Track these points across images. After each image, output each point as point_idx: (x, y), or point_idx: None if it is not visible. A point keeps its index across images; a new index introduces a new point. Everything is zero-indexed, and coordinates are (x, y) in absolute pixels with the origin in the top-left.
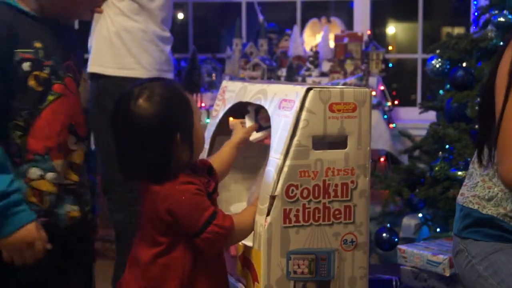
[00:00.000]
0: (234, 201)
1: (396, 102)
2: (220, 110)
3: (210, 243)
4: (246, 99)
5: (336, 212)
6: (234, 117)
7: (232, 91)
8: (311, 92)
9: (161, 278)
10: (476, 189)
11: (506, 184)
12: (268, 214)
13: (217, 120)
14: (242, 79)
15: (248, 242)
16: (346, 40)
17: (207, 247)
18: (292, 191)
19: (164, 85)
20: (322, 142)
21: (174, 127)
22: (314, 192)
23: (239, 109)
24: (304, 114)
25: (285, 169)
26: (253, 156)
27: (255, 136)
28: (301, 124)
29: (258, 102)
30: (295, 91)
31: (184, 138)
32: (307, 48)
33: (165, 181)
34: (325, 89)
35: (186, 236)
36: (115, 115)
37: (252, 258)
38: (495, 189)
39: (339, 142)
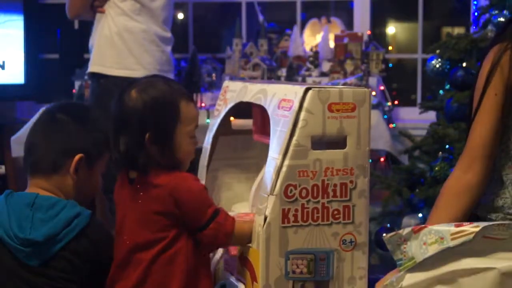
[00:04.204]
0: (237, 200)
1: (396, 102)
2: (222, 110)
3: (212, 240)
4: (246, 99)
5: (335, 212)
6: (235, 117)
7: (233, 91)
8: (310, 92)
9: (165, 275)
10: None
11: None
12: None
13: (219, 120)
14: (242, 79)
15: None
16: (346, 40)
17: (208, 243)
18: (291, 191)
19: (160, 87)
20: (321, 142)
21: (145, 127)
22: (313, 192)
23: (240, 109)
24: (303, 114)
25: (284, 169)
26: (255, 156)
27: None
28: (300, 124)
29: (258, 102)
30: (294, 91)
31: (155, 140)
32: (307, 48)
33: (140, 172)
34: (324, 89)
35: (187, 230)
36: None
37: (251, 258)
38: (492, 196)
39: (338, 142)
